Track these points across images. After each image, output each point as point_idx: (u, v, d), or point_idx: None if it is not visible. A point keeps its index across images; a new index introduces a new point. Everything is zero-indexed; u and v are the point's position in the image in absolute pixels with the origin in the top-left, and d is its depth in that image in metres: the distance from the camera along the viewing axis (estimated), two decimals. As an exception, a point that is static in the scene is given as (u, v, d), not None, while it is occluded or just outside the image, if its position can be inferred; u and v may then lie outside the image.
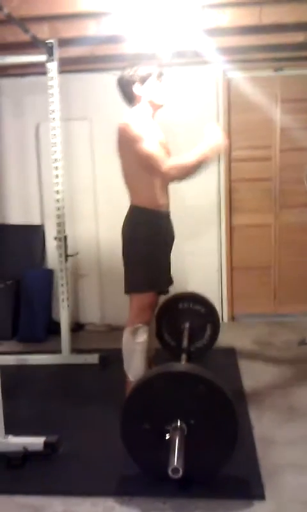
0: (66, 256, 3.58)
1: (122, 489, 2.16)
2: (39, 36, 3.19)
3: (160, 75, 2.75)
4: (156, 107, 2.77)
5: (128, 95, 2.75)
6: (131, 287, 2.76)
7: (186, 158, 2.57)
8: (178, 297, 3.59)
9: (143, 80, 2.70)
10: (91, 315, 4.56)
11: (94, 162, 4.31)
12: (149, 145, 2.57)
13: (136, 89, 2.71)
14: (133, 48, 3.53)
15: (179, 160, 2.60)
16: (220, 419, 2.08)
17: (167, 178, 2.66)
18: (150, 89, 2.71)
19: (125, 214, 2.77)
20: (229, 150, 4.28)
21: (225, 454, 2.11)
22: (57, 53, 3.33)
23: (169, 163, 2.58)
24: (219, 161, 4.27)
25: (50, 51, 3.30)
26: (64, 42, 3.34)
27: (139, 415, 2.12)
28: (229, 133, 4.27)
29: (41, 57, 3.34)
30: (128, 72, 2.72)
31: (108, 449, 2.40)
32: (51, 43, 3.28)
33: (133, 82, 2.70)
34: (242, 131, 4.30)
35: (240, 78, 4.22)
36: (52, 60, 3.33)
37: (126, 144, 2.62)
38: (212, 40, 3.52)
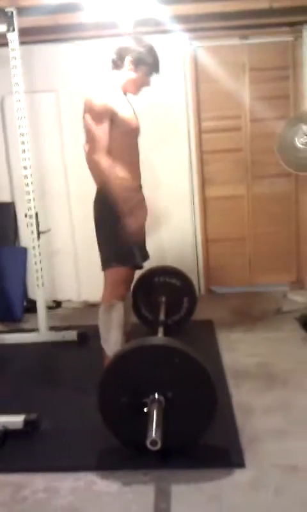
0: (39, 233, 3.52)
1: (103, 463, 2.17)
2: (-2, 5, 3.07)
3: (154, 70, 2.74)
4: (129, 89, 2.75)
5: (118, 59, 2.70)
6: (106, 262, 2.74)
7: (113, 174, 2.60)
8: (154, 271, 3.57)
9: (138, 61, 2.67)
10: (68, 292, 4.52)
11: (62, 135, 4.21)
12: (100, 129, 2.55)
13: (127, 62, 2.67)
14: (95, 16, 3.44)
15: (108, 168, 2.59)
16: (197, 390, 2.09)
17: (90, 163, 2.66)
18: (136, 73, 2.69)
19: (96, 189, 2.73)
20: (199, 120, 4.23)
21: (204, 425, 2.12)
22: (17, 22, 3.21)
23: (101, 159, 2.57)
24: (189, 133, 4.23)
25: (9, 20, 3.18)
26: (24, 11, 3.23)
27: (116, 388, 2.12)
28: (198, 103, 4.21)
29: (1, 28, 3.22)
30: (134, 44, 2.67)
31: (88, 425, 2.40)
32: (11, 11, 3.16)
33: (129, 55, 2.66)
34: (211, 101, 4.23)
35: (206, 47, 4.13)
36: (13, 30, 3.21)
37: (87, 116, 2.60)
38: (173, 8, 3.45)
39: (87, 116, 2.59)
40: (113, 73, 2.73)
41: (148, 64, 2.70)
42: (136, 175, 2.80)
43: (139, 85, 2.76)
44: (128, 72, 2.70)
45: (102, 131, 2.56)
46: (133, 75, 2.70)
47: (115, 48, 2.71)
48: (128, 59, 2.67)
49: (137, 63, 2.68)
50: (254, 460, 2.10)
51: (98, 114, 2.55)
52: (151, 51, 2.71)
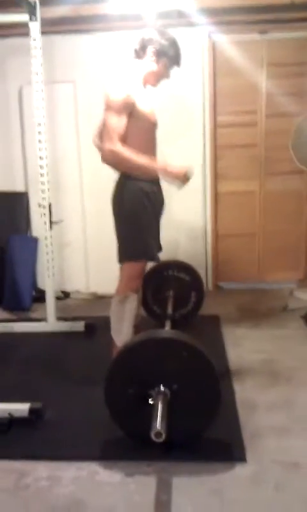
0: (51, 223, 3.55)
1: (106, 454, 2.19)
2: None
3: (175, 63, 2.75)
4: (149, 80, 2.76)
5: (141, 48, 2.71)
6: (124, 256, 2.75)
7: (136, 157, 2.58)
8: (163, 264, 3.58)
9: (160, 53, 2.69)
10: (77, 283, 4.55)
11: (78, 127, 4.23)
12: (115, 119, 2.56)
13: (149, 53, 2.68)
14: (118, 8, 3.44)
15: (127, 153, 2.58)
16: (202, 384, 2.11)
17: (103, 156, 2.64)
18: (157, 65, 2.71)
19: (115, 184, 2.74)
20: (215, 114, 4.22)
21: (208, 418, 2.14)
22: (39, 12, 3.22)
23: (115, 147, 2.56)
24: (204, 127, 4.22)
25: (32, 10, 3.19)
26: (47, 1, 3.23)
27: (123, 379, 2.14)
28: (214, 97, 4.20)
29: (24, 17, 3.23)
30: (158, 36, 2.68)
31: (93, 415, 2.42)
32: (34, 1, 3.17)
33: (153, 46, 2.67)
34: (228, 95, 4.23)
35: (226, 41, 4.12)
36: (35, 20, 3.22)
37: (105, 107, 2.61)
38: (198, 1, 3.44)
39: (105, 108, 2.59)
40: (134, 62, 2.73)
41: (170, 56, 2.71)
42: None
43: (159, 77, 2.77)
44: (149, 63, 2.71)
45: (120, 122, 2.56)
46: (154, 66, 2.71)
47: (139, 38, 2.71)
48: (150, 50, 2.68)
49: (159, 54, 2.69)
50: (256, 456, 2.12)
51: (118, 106, 2.55)
52: (173, 44, 2.72)
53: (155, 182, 2.80)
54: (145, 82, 2.75)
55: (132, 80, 2.66)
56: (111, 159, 2.61)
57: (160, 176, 2.73)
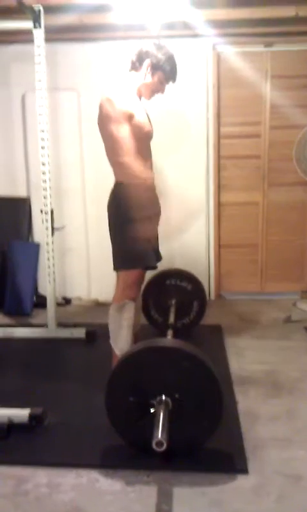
0: (53, 229, 3.54)
1: (106, 462, 2.17)
2: (25, 2, 3.09)
3: (170, 78, 2.76)
4: (143, 93, 2.76)
5: (137, 60, 2.72)
6: (118, 263, 2.75)
7: (150, 176, 2.64)
8: (166, 273, 3.58)
9: (156, 67, 2.69)
10: (78, 289, 4.53)
11: (81, 135, 4.23)
12: (122, 130, 2.56)
13: (145, 66, 2.69)
14: (123, 18, 3.46)
15: (137, 173, 2.61)
16: (204, 394, 2.09)
17: (117, 169, 2.66)
18: (151, 79, 2.72)
19: (110, 191, 2.74)
20: (219, 125, 4.23)
21: (209, 428, 2.12)
22: (44, 20, 3.24)
23: (132, 162, 2.59)
24: (207, 138, 4.23)
25: (36, 17, 3.21)
26: (51, 9, 3.25)
27: (124, 388, 2.12)
28: (218, 109, 4.21)
29: (28, 24, 3.25)
30: (156, 49, 2.69)
31: (93, 422, 2.40)
32: (38, 8, 3.19)
33: (149, 59, 2.68)
34: (232, 107, 4.24)
35: (230, 53, 4.14)
36: (39, 27, 3.23)
37: (105, 119, 2.61)
38: (202, 12, 3.46)
39: (107, 121, 2.59)
40: (129, 74, 2.74)
41: (165, 71, 2.72)
42: (151, 173, 2.81)
43: (153, 90, 2.77)
44: (144, 76, 2.71)
45: (125, 133, 2.57)
46: (149, 79, 2.72)
47: (136, 50, 2.72)
48: (146, 63, 2.69)
49: (155, 68, 2.69)
50: (258, 467, 2.10)
51: (118, 117, 2.56)
52: (170, 59, 2.72)
53: (151, 189, 2.80)
54: (139, 94, 2.76)
55: (127, 91, 2.66)
56: (122, 174, 2.63)
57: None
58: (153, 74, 2.71)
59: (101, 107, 2.63)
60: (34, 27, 3.24)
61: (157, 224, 2.87)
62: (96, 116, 2.69)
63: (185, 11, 3.35)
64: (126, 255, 2.72)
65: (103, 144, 2.71)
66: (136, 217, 2.65)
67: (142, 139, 2.68)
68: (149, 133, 2.73)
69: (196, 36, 3.95)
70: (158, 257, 2.92)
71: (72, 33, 3.93)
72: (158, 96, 2.83)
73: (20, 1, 3.00)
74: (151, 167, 2.79)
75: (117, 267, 2.76)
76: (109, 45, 4.05)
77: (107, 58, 4.06)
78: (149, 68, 2.69)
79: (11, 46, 4.11)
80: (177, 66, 2.77)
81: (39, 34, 3.26)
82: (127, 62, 2.75)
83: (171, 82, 2.80)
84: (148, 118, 2.76)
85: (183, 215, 4.27)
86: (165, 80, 2.76)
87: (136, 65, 2.72)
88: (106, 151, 2.71)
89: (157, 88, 2.77)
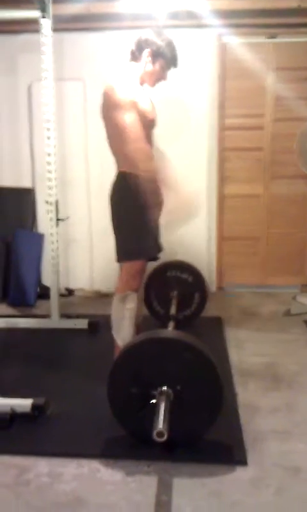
0: (57, 220, 3.55)
1: (107, 452, 2.19)
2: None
3: (172, 64, 2.74)
4: (146, 81, 2.75)
5: (137, 50, 2.71)
6: (122, 255, 2.76)
7: (153, 167, 2.59)
8: (167, 265, 3.60)
9: (157, 54, 2.68)
10: (81, 280, 4.55)
11: (87, 125, 4.23)
12: (129, 117, 2.55)
13: (145, 54, 2.68)
14: (129, 7, 3.44)
15: (149, 158, 2.59)
16: (205, 385, 2.11)
17: (121, 158, 2.65)
18: (154, 66, 2.70)
19: (113, 182, 2.74)
20: (222, 117, 4.22)
21: (209, 420, 2.14)
22: (51, 9, 3.23)
23: (142, 148, 2.56)
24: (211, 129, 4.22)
25: (44, 7, 3.19)
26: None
27: (126, 379, 2.14)
28: (222, 100, 4.20)
29: (35, 13, 3.23)
30: (154, 37, 2.67)
31: (95, 412, 2.43)
32: (46, -3, 3.18)
33: (148, 47, 2.67)
34: (236, 98, 4.24)
35: (235, 43, 4.13)
36: (47, 17, 3.22)
37: (111, 108, 2.59)
38: (207, 1, 3.45)
39: (113, 109, 2.58)
40: (130, 65, 2.74)
41: (166, 58, 2.70)
42: (154, 166, 2.80)
43: (155, 78, 2.76)
44: (145, 64, 2.70)
45: (132, 120, 2.55)
46: (150, 67, 2.70)
47: (135, 39, 2.72)
48: (146, 51, 2.68)
49: (156, 55, 2.68)
50: (257, 459, 2.12)
51: (124, 105, 2.54)
52: (170, 45, 2.71)
53: (154, 181, 2.80)
54: (142, 82, 2.74)
55: (130, 79, 2.65)
56: (136, 158, 2.58)
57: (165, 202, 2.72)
58: (154, 62, 2.70)
59: (106, 96, 2.62)
60: (43, 17, 3.22)
61: (159, 215, 2.88)
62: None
63: (190, 0, 3.34)
64: (129, 246, 2.73)
65: (105, 133, 2.71)
66: (139, 208, 2.65)
67: (146, 127, 2.68)
68: (153, 121, 2.73)
69: (201, 26, 3.94)
70: (160, 248, 2.93)
71: (79, 23, 3.91)
72: (162, 85, 2.81)
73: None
74: (154, 158, 2.79)
75: (120, 258, 2.77)
76: (115, 34, 4.03)
77: (113, 48, 4.04)
78: (149, 56, 2.68)
79: (18, 36, 4.09)
80: (177, 52, 2.75)
81: (46, 24, 3.25)
82: (127, 52, 2.74)
83: (172, 68, 2.78)
84: (153, 105, 2.75)
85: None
86: (167, 67, 2.75)
87: (136, 55, 2.71)
88: (109, 140, 2.72)
89: (160, 75, 2.76)
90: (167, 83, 2.82)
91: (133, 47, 2.72)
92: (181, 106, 4.10)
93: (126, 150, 2.59)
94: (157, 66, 2.71)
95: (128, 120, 2.55)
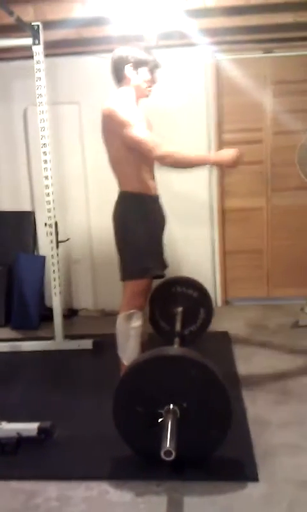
0: (57, 242, 3.56)
1: (116, 473, 2.17)
2: (24, 19, 3.12)
3: (155, 66, 2.72)
4: (141, 95, 2.74)
5: (118, 73, 2.72)
6: (126, 274, 2.75)
7: (187, 153, 2.59)
8: (171, 281, 3.57)
9: (137, 64, 2.67)
10: (85, 300, 4.55)
11: (83, 147, 4.27)
12: (139, 130, 2.54)
13: (128, 70, 2.68)
14: (120, 30, 3.48)
15: (178, 152, 2.57)
16: (213, 402, 2.09)
17: (162, 163, 2.63)
18: (141, 76, 2.69)
19: (115, 201, 2.74)
20: (220, 132, 4.25)
21: (218, 437, 2.11)
22: (42, 36, 3.27)
23: (166, 150, 2.55)
24: (209, 146, 4.24)
25: (35, 34, 3.24)
26: (50, 24, 3.28)
27: (132, 398, 2.12)
28: (219, 115, 4.23)
29: (27, 41, 3.28)
30: (125, 51, 2.68)
31: (102, 434, 2.40)
32: (37, 25, 3.22)
33: (127, 63, 2.67)
34: (233, 113, 4.26)
35: (229, 60, 4.16)
36: (38, 43, 3.27)
37: (113, 129, 2.59)
38: (199, 21, 3.48)
39: (120, 129, 2.56)
40: (121, 89, 2.73)
41: (148, 62, 2.68)
42: (154, 184, 2.82)
43: (148, 85, 2.73)
44: (133, 78, 2.69)
45: (144, 131, 2.55)
46: (139, 79, 2.70)
47: (109, 65, 2.72)
48: (128, 67, 2.67)
49: (137, 66, 2.67)
50: (268, 474, 2.09)
51: (130, 121, 2.53)
52: (142, 50, 2.70)
53: (155, 198, 2.81)
54: (138, 98, 2.74)
55: (128, 101, 2.65)
56: (170, 163, 2.59)
57: (215, 166, 2.72)
58: (139, 72, 2.69)
59: (107, 119, 2.61)
60: (34, 43, 3.27)
61: (163, 232, 2.88)
62: (98, 129, 2.70)
63: (181, 20, 3.36)
64: (133, 266, 2.72)
65: (107, 155, 2.72)
66: (143, 227, 2.66)
67: None
68: None
69: (194, 45, 3.97)
70: (165, 265, 2.92)
71: (71, 47, 3.96)
72: (158, 105, 2.81)
73: (19, 19, 3.04)
74: (154, 177, 2.80)
75: (125, 277, 2.76)
76: (109, 56, 4.07)
77: (106, 70, 4.06)
78: (133, 69, 2.68)
79: (12, 62, 4.15)
80: (152, 52, 2.73)
81: (38, 50, 3.29)
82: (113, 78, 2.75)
83: (158, 68, 2.74)
84: (151, 125, 2.77)
85: (187, 222, 4.27)
86: (153, 70, 2.72)
87: (120, 76, 2.71)
88: (112, 163, 2.72)
89: (150, 81, 2.73)
90: (164, 101, 2.81)
91: (114, 72, 2.73)
92: (180, 125, 4.12)
93: (151, 161, 2.61)
94: (144, 74, 2.69)
95: (141, 132, 2.54)
